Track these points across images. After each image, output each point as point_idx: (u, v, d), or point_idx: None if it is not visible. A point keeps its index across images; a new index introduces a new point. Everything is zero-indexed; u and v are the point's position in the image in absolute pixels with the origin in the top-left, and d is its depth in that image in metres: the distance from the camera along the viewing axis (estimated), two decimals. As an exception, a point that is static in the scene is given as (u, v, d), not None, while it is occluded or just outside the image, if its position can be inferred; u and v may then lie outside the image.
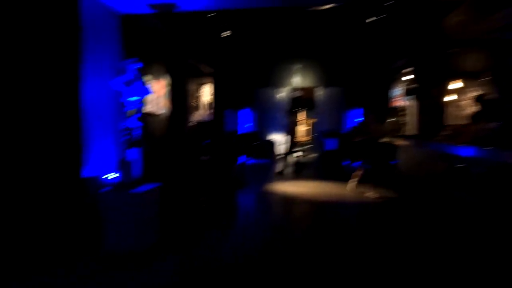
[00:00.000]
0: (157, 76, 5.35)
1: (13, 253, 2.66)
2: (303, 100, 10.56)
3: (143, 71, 4.45)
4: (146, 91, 3.48)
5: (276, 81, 10.21)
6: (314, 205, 4.94)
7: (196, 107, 7.87)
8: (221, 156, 6.36)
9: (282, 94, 10.42)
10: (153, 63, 5.21)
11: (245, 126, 10.51)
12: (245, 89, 10.31)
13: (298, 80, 10.10)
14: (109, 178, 3.46)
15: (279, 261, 2.79)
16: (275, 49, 9.05)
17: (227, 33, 6.68)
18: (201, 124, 7.90)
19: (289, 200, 5.26)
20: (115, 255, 2.85)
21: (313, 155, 9.97)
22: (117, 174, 3.43)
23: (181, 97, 6.41)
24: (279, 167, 8.12)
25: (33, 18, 2.91)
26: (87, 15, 3.37)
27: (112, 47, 3.92)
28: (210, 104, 8.76)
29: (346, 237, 3.42)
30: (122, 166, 3.20)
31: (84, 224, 3.18)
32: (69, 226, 3.09)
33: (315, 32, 7.50)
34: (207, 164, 6.17)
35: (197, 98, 8.00)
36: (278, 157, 9.12)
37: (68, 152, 3.24)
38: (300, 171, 8.03)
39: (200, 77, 8.14)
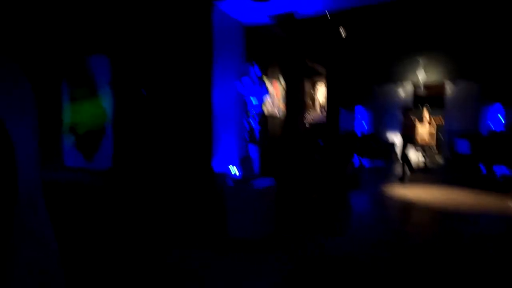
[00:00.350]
0: (275, 79, 5.68)
1: (159, 228, 3.28)
2: (427, 97, 9.55)
3: (263, 75, 4.80)
4: (265, 93, 3.77)
5: (396, 77, 9.50)
6: (441, 214, 4.43)
7: (311, 107, 7.99)
8: (335, 156, 6.33)
9: (403, 90, 9.64)
10: (272, 67, 5.56)
11: (361, 126, 10.13)
12: (361, 87, 9.93)
13: (422, 74, 9.19)
14: (232, 172, 3.89)
15: (396, 264, 2.69)
16: (395, 41, 8.43)
17: (342, 31, 6.59)
18: (315, 124, 8.00)
19: (409, 206, 4.89)
20: (237, 240, 3.22)
21: (440, 157, 8.95)
22: (239, 170, 3.82)
23: (296, 98, 6.63)
24: (398, 169, 7.58)
25: (177, 31, 3.50)
26: (217, 26, 3.86)
27: (236, 53, 4.37)
28: (324, 104, 8.78)
29: (484, 256, 3.03)
30: (243, 162, 3.57)
31: (213, 212, 3.67)
32: (202, 212, 3.62)
33: (444, 19, 6.72)
34: (321, 163, 6.23)
35: (312, 98, 8.11)
36: (397, 159, 8.51)
37: (202, 147, 3.77)
38: (424, 175, 7.33)
39: (315, 77, 8.24)
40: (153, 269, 2.61)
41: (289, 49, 6.25)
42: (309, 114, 7.73)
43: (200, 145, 3.74)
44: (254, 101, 3.73)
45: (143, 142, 3.60)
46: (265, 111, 5.12)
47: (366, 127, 10.13)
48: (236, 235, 3.28)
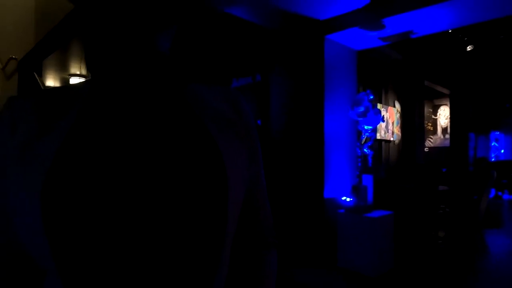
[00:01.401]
0: (389, 102, 5.40)
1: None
2: None
3: (376, 99, 4.63)
4: (379, 120, 3.61)
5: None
6: None
7: (431, 131, 7.25)
8: (464, 186, 5.54)
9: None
10: (386, 90, 5.31)
11: (497, 151, 8.66)
12: (495, 108, 8.57)
13: None
14: (345, 200, 3.77)
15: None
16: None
17: (469, 48, 5.90)
18: (437, 149, 7.20)
19: None
20: (347, 272, 3.06)
21: None
22: (351, 198, 3.69)
23: (413, 122, 6.13)
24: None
25: (289, 63, 3.70)
26: (328, 55, 3.92)
27: (348, 79, 4.33)
28: (447, 128, 7.86)
29: None
30: (356, 191, 3.43)
31: (322, 238, 3.60)
32: (312, 237, 3.59)
33: None
34: (446, 195, 5.52)
35: (432, 121, 7.37)
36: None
37: (313, 173, 3.80)
38: None
39: (436, 99, 7.49)
40: None
41: (405, 71, 5.89)
42: (429, 139, 7.00)
43: (311, 171, 3.77)
44: (366, 126, 3.60)
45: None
46: (379, 137, 4.87)
47: (503, 153, 8.61)
48: (347, 266, 3.13)
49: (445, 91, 7.61)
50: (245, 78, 4.70)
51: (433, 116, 8.02)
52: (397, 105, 5.73)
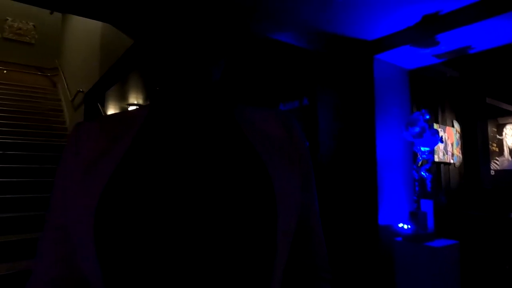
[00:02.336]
0: (447, 122, 5.07)
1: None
2: None
3: (432, 119, 4.37)
4: (437, 141, 3.38)
5: None
6: None
7: (497, 153, 6.63)
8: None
9: None
10: (443, 109, 5.01)
11: None
12: None
13: None
14: (402, 227, 3.52)
15: None
16: None
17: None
18: (505, 172, 6.54)
19: None
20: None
21: None
22: (408, 225, 3.44)
23: (476, 143, 5.66)
24: None
25: (337, 85, 3.65)
26: (378, 76, 3.81)
27: (401, 99, 4.16)
28: (517, 148, 7.14)
29: None
30: (414, 217, 3.20)
31: (378, 269, 3.36)
32: (367, 267, 3.37)
33: None
34: (519, 223, 4.94)
35: (498, 142, 6.75)
36: None
37: (366, 198, 3.62)
38: None
39: (500, 117, 6.89)
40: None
41: (463, 88, 5.53)
42: (495, 161, 6.40)
43: (364, 196, 3.59)
44: (423, 148, 3.39)
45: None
46: (437, 159, 4.55)
47: None
48: (410, 301, 2.87)
49: (511, 108, 6.99)
50: (292, 102, 4.71)
51: (498, 136, 7.35)
52: (456, 124, 5.35)
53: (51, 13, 10.04)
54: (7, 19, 10.82)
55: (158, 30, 0.48)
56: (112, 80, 5.51)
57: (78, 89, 6.74)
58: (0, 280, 3.05)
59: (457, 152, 5.28)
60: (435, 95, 4.93)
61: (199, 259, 0.42)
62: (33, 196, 4.54)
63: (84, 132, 0.53)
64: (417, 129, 3.30)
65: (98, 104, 5.99)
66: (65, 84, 8.19)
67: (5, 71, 9.59)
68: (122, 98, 6.35)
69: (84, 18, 6.45)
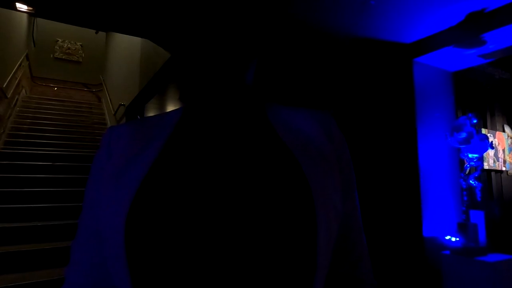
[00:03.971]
0: (497, 127, 4.72)
1: None
2: None
3: (481, 125, 4.10)
4: (486, 147, 3.15)
5: None
6: None
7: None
8: None
9: None
10: (492, 113, 4.68)
11: None
12: None
13: None
14: (449, 240, 3.29)
15: None
16: None
17: None
18: None
19: None
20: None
21: None
22: (457, 238, 3.21)
23: (531, 149, 5.21)
24: None
25: (375, 91, 3.52)
26: (418, 80, 3.64)
27: (444, 104, 3.94)
28: None
29: None
30: (462, 229, 2.97)
31: (424, 283, 3.15)
32: (412, 281, 3.17)
33: None
34: None
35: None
36: None
37: (409, 209, 3.43)
38: None
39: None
40: None
41: (515, 90, 5.14)
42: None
43: (406, 206, 3.41)
44: (471, 154, 3.16)
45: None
46: (487, 166, 4.23)
47: None
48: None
49: None
50: (327, 109, 4.62)
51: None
52: (507, 129, 4.96)
53: (96, 32, 10.73)
54: (58, 40, 11.71)
55: (192, 33, 0.47)
56: (151, 92, 5.74)
57: (120, 103, 7.09)
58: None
59: (510, 159, 4.87)
60: (482, 98, 4.62)
61: (234, 272, 0.39)
62: (79, 205, 4.78)
63: (117, 136, 0.52)
64: (463, 135, 3.09)
65: (138, 116, 6.26)
66: (108, 99, 8.66)
67: (55, 88, 10.34)
68: (160, 109, 6.58)
69: (125, 35, 6.82)
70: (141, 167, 0.46)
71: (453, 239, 3.11)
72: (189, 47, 0.48)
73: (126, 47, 7.50)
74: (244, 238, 0.40)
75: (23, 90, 8.45)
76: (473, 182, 3.15)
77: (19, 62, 7.66)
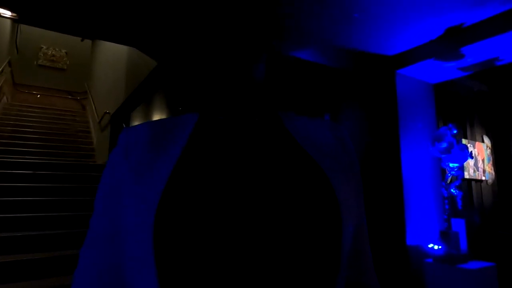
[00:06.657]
0: (476, 138, 4.86)
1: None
2: None
3: (461, 135, 4.22)
4: (466, 156, 3.24)
5: None
6: None
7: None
8: None
9: None
10: (471, 124, 4.82)
11: None
12: None
13: None
14: (432, 248, 3.34)
15: None
16: None
17: None
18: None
19: None
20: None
21: None
22: (439, 246, 3.26)
23: (509, 158, 5.38)
24: None
25: (358, 102, 3.59)
26: (401, 90, 3.73)
27: (426, 115, 4.04)
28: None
29: None
30: (444, 237, 3.03)
31: (408, 294, 3.18)
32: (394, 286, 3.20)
33: None
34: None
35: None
36: None
37: (394, 218, 3.48)
38: None
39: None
40: None
41: (493, 102, 5.32)
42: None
43: (390, 215, 3.46)
44: (452, 164, 3.24)
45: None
46: (467, 176, 4.34)
47: None
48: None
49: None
50: (319, 115, 4.68)
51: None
52: (487, 140, 5.12)
53: (82, 40, 10.62)
54: (42, 47, 11.53)
55: (192, 34, 0.47)
56: (137, 101, 5.69)
57: (105, 111, 6.99)
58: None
59: (489, 168, 5.02)
60: (462, 109, 4.77)
61: (263, 277, 0.40)
62: (61, 215, 4.66)
63: (134, 136, 0.51)
64: (444, 144, 3.18)
65: (123, 124, 6.18)
66: (93, 107, 8.54)
67: (38, 96, 10.13)
68: (146, 118, 6.53)
69: (111, 43, 6.78)
70: (166, 165, 0.46)
71: (436, 247, 3.17)
72: (191, 48, 0.49)
73: (112, 55, 7.45)
74: (274, 241, 0.40)
75: (4, 97, 8.26)
76: (454, 191, 3.23)
77: (1, 69, 7.50)
